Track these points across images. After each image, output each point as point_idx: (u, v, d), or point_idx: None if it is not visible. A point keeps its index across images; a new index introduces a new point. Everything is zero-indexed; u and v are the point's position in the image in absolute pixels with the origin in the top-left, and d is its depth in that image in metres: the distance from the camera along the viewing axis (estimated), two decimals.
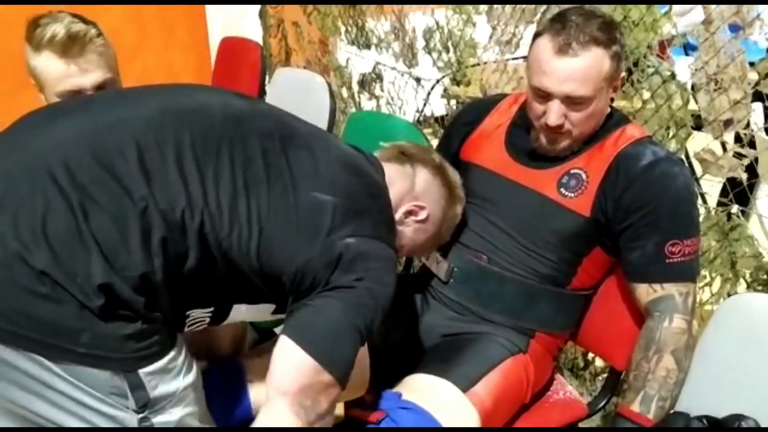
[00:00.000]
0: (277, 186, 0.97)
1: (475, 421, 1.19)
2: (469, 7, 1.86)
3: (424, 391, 1.21)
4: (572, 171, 1.29)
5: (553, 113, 1.21)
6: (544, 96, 1.23)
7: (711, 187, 1.55)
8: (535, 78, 1.23)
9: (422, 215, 1.20)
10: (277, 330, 1.07)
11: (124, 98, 1.07)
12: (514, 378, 1.29)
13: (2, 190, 0.89)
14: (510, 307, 1.33)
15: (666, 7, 1.36)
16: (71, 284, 0.85)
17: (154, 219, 0.90)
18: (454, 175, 1.29)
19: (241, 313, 1.08)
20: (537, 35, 1.26)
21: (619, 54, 1.22)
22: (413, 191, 1.20)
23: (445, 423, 1.16)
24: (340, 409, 1.36)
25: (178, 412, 0.97)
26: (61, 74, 1.32)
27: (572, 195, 1.28)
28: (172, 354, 0.96)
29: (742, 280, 1.32)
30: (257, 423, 0.98)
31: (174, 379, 0.96)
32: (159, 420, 0.95)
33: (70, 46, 1.31)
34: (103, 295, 0.86)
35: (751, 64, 1.32)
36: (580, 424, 1.49)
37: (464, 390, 1.21)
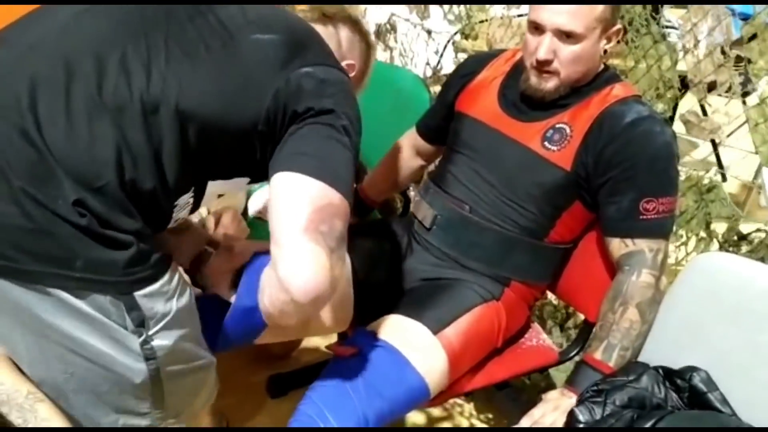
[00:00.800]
0: (215, 43, 0.97)
1: (443, 361, 1.27)
2: None
3: (397, 331, 1.28)
4: (557, 125, 1.33)
5: (544, 46, 1.26)
6: (538, 30, 1.27)
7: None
8: (532, 12, 1.28)
9: (353, 72, 1.26)
10: None
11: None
12: (485, 323, 1.36)
13: None
14: (488, 255, 1.39)
15: None
16: (55, 208, 0.87)
17: (110, 119, 0.90)
18: (366, 25, 1.32)
19: (216, 188, 1.07)
20: None
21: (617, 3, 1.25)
22: (341, 50, 1.23)
23: (415, 362, 1.23)
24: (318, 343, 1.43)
25: (173, 335, 1.01)
26: None
27: (555, 148, 1.32)
28: (165, 278, 0.98)
29: (715, 240, 1.35)
30: (279, 260, 0.92)
31: (168, 301, 0.99)
32: (157, 344, 0.99)
33: None
34: (85, 213, 0.88)
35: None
36: (551, 371, 1.57)
37: (435, 332, 1.28)
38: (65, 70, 0.92)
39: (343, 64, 1.17)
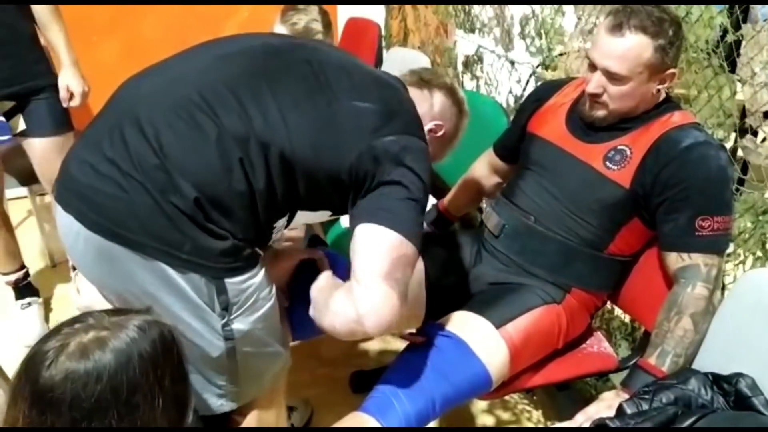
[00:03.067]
0: (321, 101, 1.17)
1: (503, 354, 1.41)
2: None
3: (462, 324, 1.43)
4: (619, 147, 1.46)
5: (593, 82, 1.41)
6: (593, 66, 1.41)
7: None
8: (590, 50, 1.43)
9: (441, 132, 1.41)
10: None
11: (187, 55, 1.29)
12: (546, 323, 1.48)
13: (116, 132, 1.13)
14: (550, 262, 1.52)
15: (722, 6, 1.48)
16: (177, 201, 1.08)
17: (228, 144, 1.10)
18: (462, 94, 1.47)
19: (303, 218, 1.29)
20: (607, 15, 1.44)
21: (665, 48, 1.35)
22: (432, 111, 1.39)
23: (478, 351, 1.38)
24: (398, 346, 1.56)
25: (251, 321, 1.19)
26: None
27: (616, 168, 1.45)
28: (253, 271, 1.17)
29: None
30: (359, 299, 1.10)
31: (252, 293, 1.18)
32: (236, 327, 1.17)
33: (300, 35, 1.72)
34: (199, 211, 1.09)
35: None
36: (612, 377, 1.67)
37: (497, 326, 1.42)
38: (200, 98, 1.14)
39: (432, 124, 1.37)
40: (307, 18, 1.80)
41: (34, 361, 0.78)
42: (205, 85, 1.16)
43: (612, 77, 1.38)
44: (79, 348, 0.77)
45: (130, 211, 1.09)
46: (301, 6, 1.88)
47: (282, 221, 1.24)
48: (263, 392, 1.35)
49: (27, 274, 2.45)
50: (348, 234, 1.19)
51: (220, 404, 1.27)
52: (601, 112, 1.44)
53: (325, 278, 1.28)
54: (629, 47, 1.35)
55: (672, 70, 1.40)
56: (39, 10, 2.08)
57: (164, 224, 1.09)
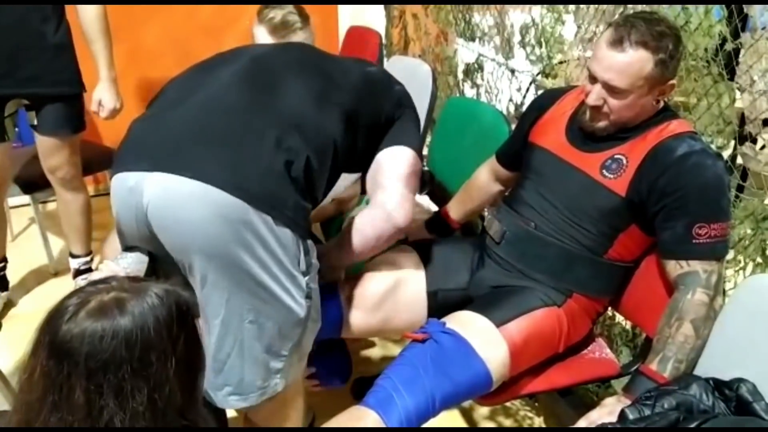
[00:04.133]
0: (357, 70, 1.50)
1: (504, 353, 1.42)
2: (561, 7, 2.05)
3: (463, 322, 1.45)
4: (615, 156, 1.47)
5: (593, 94, 1.42)
6: (593, 78, 1.43)
7: None
8: (590, 61, 1.44)
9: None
10: None
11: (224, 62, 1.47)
12: (546, 325, 1.50)
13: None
14: (551, 267, 1.54)
15: (720, 14, 1.50)
16: (290, 161, 1.25)
17: (324, 104, 1.36)
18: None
19: (341, 181, 1.54)
20: (607, 27, 1.46)
21: (665, 62, 1.36)
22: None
23: (478, 349, 1.40)
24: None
25: (315, 284, 1.35)
26: None
27: (612, 176, 1.46)
28: (311, 241, 1.35)
29: None
30: (386, 200, 1.43)
31: (315, 256, 1.35)
32: (312, 287, 1.33)
33: (279, 30, 1.76)
34: (305, 171, 1.27)
35: None
36: (614, 383, 1.68)
37: (497, 325, 1.44)
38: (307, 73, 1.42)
39: None
40: (283, 12, 1.85)
41: (55, 315, 0.81)
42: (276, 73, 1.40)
43: (612, 90, 1.40)
44: (98, 305, 0.81)
45: (249, 170, 1.21)
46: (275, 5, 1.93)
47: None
48: (298, 376, 1.46)
49: (3, 268, 2.51)
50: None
51: (275, 384, 1.34)
52: (602, 123, 1.46)
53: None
54: (630, 62, 1.36)
55: (671, 82, 1.42)
56: (86, 24, 2.16)
57: (276, 182, 1.23)
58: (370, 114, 1.45)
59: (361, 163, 1.51)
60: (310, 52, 1.52)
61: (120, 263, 1.34)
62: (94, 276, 1.36)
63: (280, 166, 1.23)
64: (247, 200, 1.18)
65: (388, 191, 1.42)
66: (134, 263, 1.35)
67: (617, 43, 1.37)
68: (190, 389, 0.87)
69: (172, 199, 1.19)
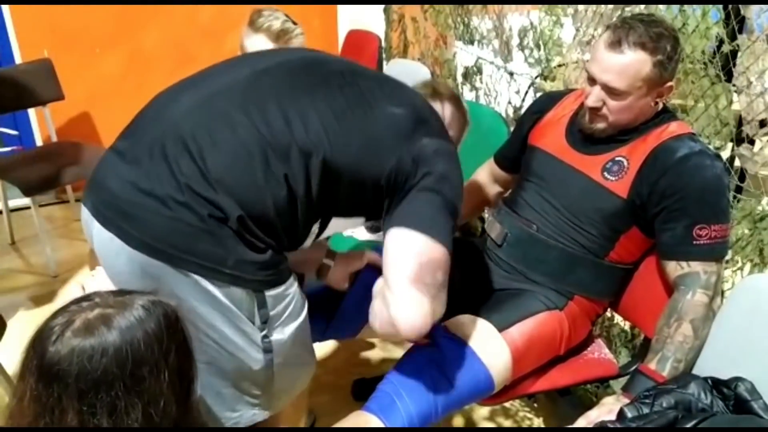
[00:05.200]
0: (358, 110, 1.20)
1: (506, 356, 1.42)
2: (559, 10, 2.06)
3: (466, 327, 1.45)
4: (616, 158, 1.48)
5: (592, 96, 1.43)
6: (592, 80, 1.43)
7: None
8: (588, 63, 1.45)
9: (452, 138, 1.44)
10: None
11: (227, 68, 1.30)
12: (548, 329, 1.50)
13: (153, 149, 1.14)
14: (552, 270, 1.54)
15: (718, 17, 1.51)
16: (221, 218, 1.09)
17: (272, 158, 1.12)
18: (465, 105, 1.56)
19: (336, 225, 1.29)
20: (605, 29, 1.46)
21: (663, 63, 1.37)
22: (444, 121, 1.45)
23: (480, 353, 1.40)
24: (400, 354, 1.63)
25: (288, 332, 1.23)
26: None
27: (613, 179, 1.47)
28: (288, 282, 1.21)
29: None
30: (391, 303, 1.13)
31: (288, 304, 1.21)
32: (275, 338, 1.21)
33: (282, 36, 1.83)
34: (242, 227, 1.10)
35: None
36: (612, 384, 1.69)
37: (500, 330, 1.44)
38: (242, 112, 1.15)
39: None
40: (280, 19, 1.91)
41: (41, 337, 0.80)
42: (246, 99, 1.17)
43: (611, 92, 1.40)
44: (84, 324, 0.79)
45: (174, 229, 1.10)
46: (264, 10, 1.98)
47: (316, 227, 1.25)
48: (292, 400, 1.39)
49: None
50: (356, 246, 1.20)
51: (252, 414, 1.29)
52: (601, 125, 1.47)
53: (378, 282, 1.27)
54: (628, 63, 1.37)
55: (670, 83, 1.42)
56: None
57: (208, 240, 1.10)
58: (363, 170, 1.19)
59: (364, 211, 1.29)
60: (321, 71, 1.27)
61: None
62: (89, 281, 1.35)
63: (214, 222, 1.10)
64: (168, 262, 1.10)
65: (394, 296, 1.14)
66: None
67: (615, 44, 1.38)
68: (185, 399, 0.86)
69: (105, 252, 1.17)
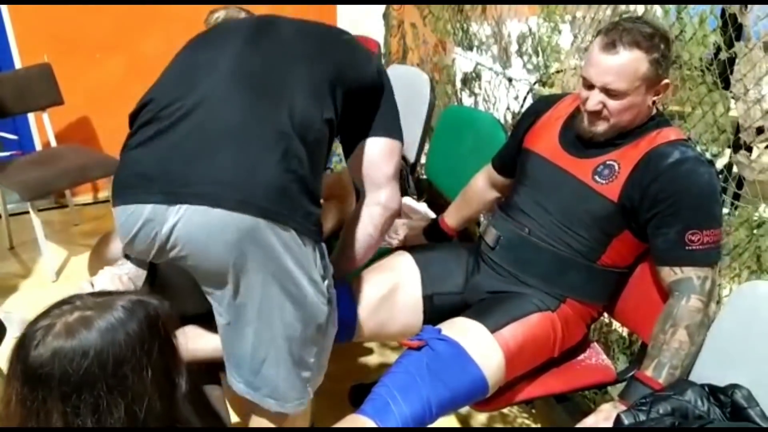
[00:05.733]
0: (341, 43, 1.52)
1: (499, 358, 1.43)
2: (557, 16, 2.07)
3: (458, 328, 1.46)
4: (608, 162, 1.49)
5: (591, 100, 1.44)
6: (589, 85, 1.44)
7: None
8: (584, 68, 1.46)
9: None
10: None
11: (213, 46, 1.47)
12: (541, 330, 1.51)
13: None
14: (545, 272, 1.55)
15: (715, 24, 1.52)
16: (305, 179, 1.29)
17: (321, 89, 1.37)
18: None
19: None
20: (597, 34, 1.47)
21: (659, 61, 1.39)
22: None
23: (474, 355, 1.41)
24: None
25: (332, 289, 1.38)
26: None
27: (604, 182, 1.48)
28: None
29: (765, 272, 1.45)
30: (381, 195, 1.51)
31: (328, 258, 1.39)
32: (331, 291, 1.37)
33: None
34: (309, 176, 1.29)
35: None
36: (610, 390, 1.69)
37: (492, 331, 1.45)
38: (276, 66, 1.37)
39: None
40: (226, 10, 1.93)
41: (24, 342, 0.81)
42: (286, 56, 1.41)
43: (610, 93, 1.41)
44: (65, 327, 0.81)
45: (270, 187, 1.23)
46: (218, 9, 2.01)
47: None
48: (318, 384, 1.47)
49: None
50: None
51: (308, 393, 1.39)
52: (601, 127, 1.47)
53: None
54: (626, 63, 1.38)
55: (666, 81, 1.44)
56: None
57: (289, 194, 1.25)
58: (356, 79, 1.45)
59: (353, 135, 1.53)
60: (292, 27, 1.50)
61: (122, 268, 1.36)
62: (96, 280, 1.36)
63: (289, 177, 1.25)
64: (262, 216, 1.21)
65: (384, 189, 1.50)
66: (135, 269, 1.36)
67: (610, 46, 1.39)
68: (170, 394, 0.87)
69: (196, 231, 1.22)
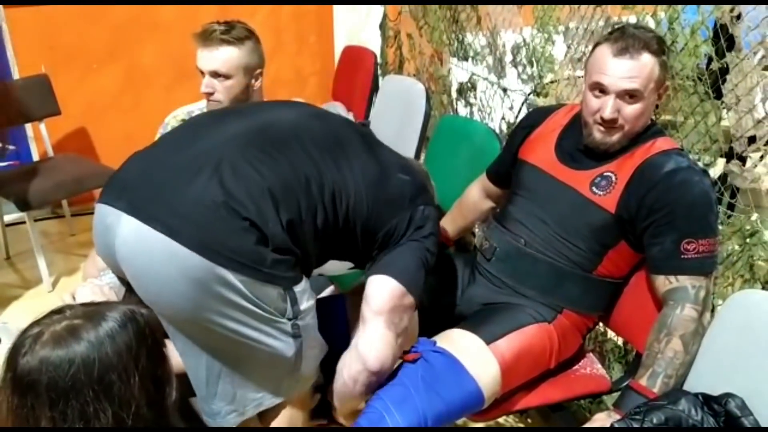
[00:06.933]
0: (375, 169, 1.37)
1: (495, 370, 1.43)
2: (551, 27, 2.08)
3: (454, 341, 1.46)
4: (605, 173, 1.49)
5: (609, 107, 1.43)
6: (601, 92, 1.44)
7: None
8: (596, 76, 1.45)
9: None
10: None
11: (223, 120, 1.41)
12: (537, 342, 1.50)
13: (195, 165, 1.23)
14: (541, 284, 1.55)
15: (707, 34, 1.53)
16: (264, 227, 1.19)
17: (314, 187, 1.26)
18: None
19: (329, 266, 1.43)
20: (597, 45, 1.49)
21: (665, 64, 1.42)
22: None
23: (469, 367, 1.40)
24: None
25: (308, 320, 1.31)
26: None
27: (602, 193, 1.48)
28: (304, 281, 1.29)
29: (758, 282, 1.45)
30: (360, 338, 1.32)
31: (309, 297, 1.30)
32: (301, 323, 1.29)
33: (206, 36, 1.82)
34: (281, 238, 1.21)
35: None
36: (605, 399, 1.68)
37: (488, 343, 1.45)
38: (281, 145, 1.30)
39: None
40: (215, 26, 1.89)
41: (14, 351, 0.84)
42: (292, 135, 1.33)
43: (629, 97, 1.42)
44: (52, 336, 0.83)
45: (223, 229, 1.16)
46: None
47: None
48: (307, 387, 1.43)
49: None
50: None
51: (271, 396, 1.32)
52: (616, 137, 1.46)
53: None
54: (643, 66, 1.40)
55: (667, 83, 1.46)
56: None
57: (249, 240, 1.17)
58: (371, 224, 1.35)
59: (356, 258, 1.44)
60: (331, 124, 1.43)
61: (103, 279, 1.36)
62: (78, 292, 1.36)
63: (254, 225, 1.18)
64: (216, 261, 1.14)
65: (365, 329, 1.32)
66: (116, 279, 1.36)
67: (624, 51, 1.40)
68: (159, 402, 0.88)
69: (141, 250, 1.17)
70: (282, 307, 1.24)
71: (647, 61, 1.40)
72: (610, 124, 1.45)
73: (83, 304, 0.91)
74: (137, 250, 1.17)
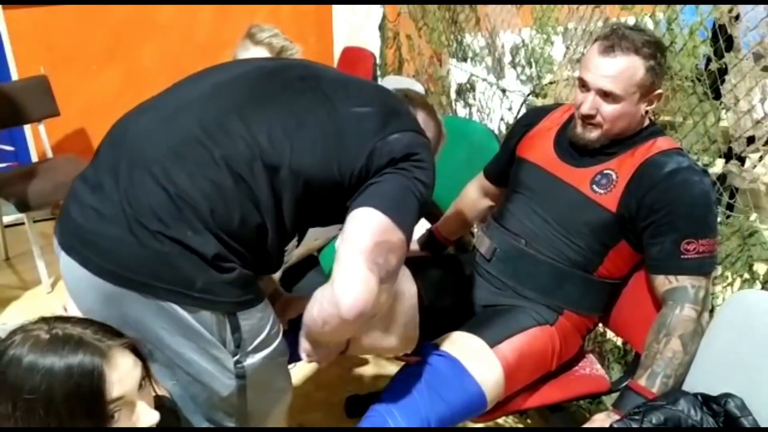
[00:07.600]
0: (321, 113, 1.15)
1: (498, 372, 1.42)
2: (549, 28, 2.08)
3: (457, 344, 1.45)
4: (605, 171, 1.49)
5: (586, 103, 1.44)
6: (585, 88, 1.45)
7: None
8: (581, 71, 1.46)
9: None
10: None
11: (187, 85, 1.26)
12: (539, 344, 1.50)
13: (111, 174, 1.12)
14: (542, 285, 1.55)
15: (705, 35, 1.53)
16: (187, 241, 1.05)
17: (236, 176, 1.08)
18: (440, 117, 1.45)
19: (314, 234, 1.29)
20: (594, 41, 1.48)
21: (655, 69, 1.40)
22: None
23: (472, 370, 1.40)
24: (393, 370, 1.61)
25: (261, 356, 1.17)
26: None
27: (602, 192, 1.48)
28: (261, 306, 1.16)
29: (758, 281, 1.45)
30: (336, 277, 1.07)
31: (263, 327, 1.16)
32: (248, 363, 1.15)
33: (282, 53, 1.87)
34: (211, 248, 1.06)
35: None
36: (604, 399, 1.68)
37: (491, 345, 1.44)
38: (203, 130, 1.11)
39: None
40: (280, 36, 1.92)
41: None
42: (206, 115, 1.14)
43: (606, 97, 1.42)
44: (21, 339, 0.92)
45: (137, 254, 1.06)
46: (263, 25, 1.99)
47: (293, 243, 1.23)
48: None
49: None
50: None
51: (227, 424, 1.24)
52: (594, 134, 1.48)
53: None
54: (624, 68, 1.39)
55: (659, 91, 1.45)
56: None
57: (173, 264, 1.06)
58: (331, 172, 1.14)
59: (339, 216, 1.20)
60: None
61: None
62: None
63: (178, 246, 1.06)
64: (133, 289, 1.06)
65: (342, 267, 1.07)
66: None
67: (609, 50, 1.40)
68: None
69: (72, 281, 1.15)
70: (222, 335, 1.11)
71: (630, 64, 1.39)
72: (588, 120, 1.46)
73: (73, 322, 0.95)
74: (68, 280, 1.17)
